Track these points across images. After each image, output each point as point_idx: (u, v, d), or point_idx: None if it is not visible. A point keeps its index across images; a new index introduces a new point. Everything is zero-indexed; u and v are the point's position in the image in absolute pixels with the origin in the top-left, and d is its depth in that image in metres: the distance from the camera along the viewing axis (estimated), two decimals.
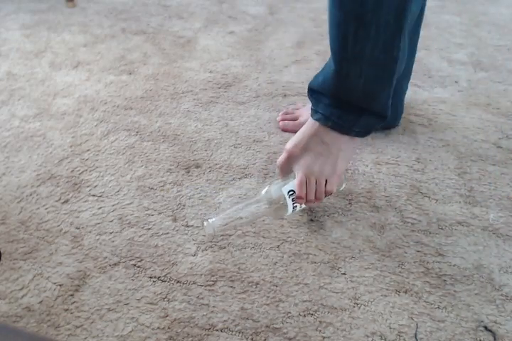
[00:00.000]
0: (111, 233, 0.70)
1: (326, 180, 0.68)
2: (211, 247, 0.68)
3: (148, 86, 1.09)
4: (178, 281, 0.63)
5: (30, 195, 0.77)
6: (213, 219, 0.64)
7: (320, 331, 0.57)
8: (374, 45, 0.59)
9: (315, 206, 0.74)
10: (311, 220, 0.73)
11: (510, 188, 0.79)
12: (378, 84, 0.64)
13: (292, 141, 0.69)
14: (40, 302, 0.61)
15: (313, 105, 0.69)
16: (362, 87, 0.63)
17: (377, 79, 0.63)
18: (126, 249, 0.68)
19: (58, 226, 0.71)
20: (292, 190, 0.66)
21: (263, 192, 0.67)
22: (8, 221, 0.72)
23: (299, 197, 0.66)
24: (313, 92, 0.70)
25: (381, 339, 0.57)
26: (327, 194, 0.69)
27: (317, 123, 0.68)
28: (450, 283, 0.63)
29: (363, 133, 0.69)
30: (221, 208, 0.75)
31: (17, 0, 1.58)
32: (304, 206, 0.69)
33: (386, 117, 0.68)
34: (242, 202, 0.66)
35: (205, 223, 0.63)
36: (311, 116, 0.69)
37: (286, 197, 0.66)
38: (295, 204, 0.67)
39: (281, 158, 0.70)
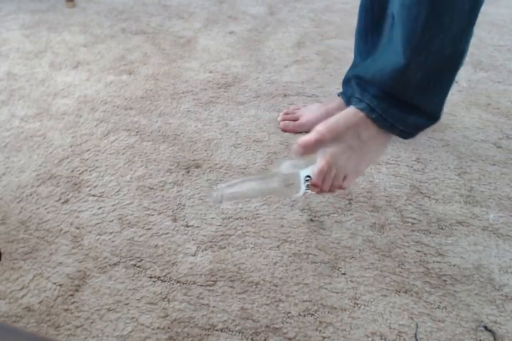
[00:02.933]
0: (111, 233, 0.70)
1: (345, 176, 0.64)
2: (211, 247, 0.68)
3: (148, 86, 1.09)
4: (178, 281, 0.63)
5: (30, 195, 0.77)
6: (223, 185, 0.59)
7: (320, 331, 0.57)
8: (444, 35, 0.54)
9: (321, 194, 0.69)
10: (311, 220, 0.73)
11: (510, 188, 0.79)
12: (437, 79, 0.59)
13: (327, 124, 0.62)
14: (40, 302, 0.61)
15: (358, 94, 0.64)
16: (419, 81, 0.59)
17: (438, 74, 0.59)
18: (126, 249, 0.68)
19: (58, 226, 0.71)
20: (309, 176, 0.62)
21: (280, 168, 0.62)
22: (8, 221, 0.72)
23: (314, 185, 0.62)
24: (361, 80, 0.64)
25: (381, 339, 0.57)
26: (340, 188, 0.65)
27: (359, 113, 0.62)
28: (450, 283, 0.63)
29: (407, 133, 0.64)
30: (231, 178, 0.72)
31: (17, 0, 1.58)
32: (312, 193, 0.66)
33: (438, 119, 0.63)
34: (253, 174, 0.63)
35: (213, 188, 0.60)
36: (354, 104, 0.63)
37: (302, 180, 0.62)
38: (307, 190, 0.63)
39: (309, 138, 0.62)
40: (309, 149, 0.63)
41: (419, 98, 0.60)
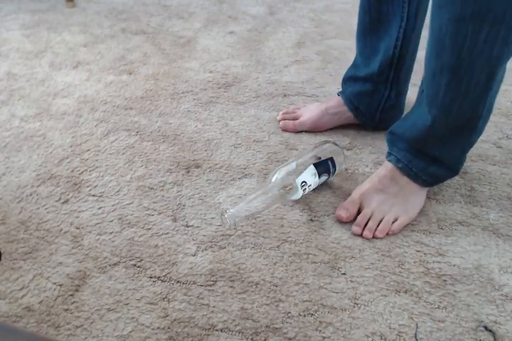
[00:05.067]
0: (111, 233, 0.70)
1: (396, 219, 0.71)
2: (211, 247, 0.68)
3: (148, 86, 1.09)
4: (178, 281, 0.63)
5: (30, 195, 0.77)
6: (232, 210, 0.66)
7: (320, 331, 0.57)
8: (463, 100, 0.61)
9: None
10: (311, 220, 0.73)
11: (510, 188, 0.79)
12: (457, 136, 0.67)
13: (366, 182, 0.74)
14: (40, 302, 0.60)
15: (388, 148, 0.74)
16: (441, 136, 0.67)
17: (458, 132, 0.66)
18: (126, 249, 0.68)
19: (58, 226, 0.71)
20: (304, 181, 0.72)
21: (273, 179, 0.72)
22: (8, 221, 0.72)
23: (356, 225, 0.70)
24: (392, 136, 0.74)
25: (381, 339, 0.57)
26: (390, 232, 0.70)
27: (390, 164, 0.73)
28: (450, 283, 0.63)
29: (429, 182, 0.72)
30: (237, 198, 0.75)
31: (17, 0, 1.58)
32: (312, 188, 0.74)
33: (457, 172, 0.73)
34: (254, 191, 0.70)
35: (225, 215, 0.65)
36: (386, 157, 0.74)
37: (299, 186, 0.71)
38: (304, 193, 0.73)
39: (351, 197, 0.73)
40: (352, 208, 0.72)
41: (441, 152, 0.69)
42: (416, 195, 0.72)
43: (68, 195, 0.77)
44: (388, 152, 0.74)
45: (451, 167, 0.71)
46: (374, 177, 0.74)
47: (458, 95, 0.61)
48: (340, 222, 0.72)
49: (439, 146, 0.68)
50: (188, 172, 0.82)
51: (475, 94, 0.61)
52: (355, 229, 0.69)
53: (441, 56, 0.59)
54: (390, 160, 0.73)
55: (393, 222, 0.70)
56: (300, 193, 0.73)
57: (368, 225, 0.70)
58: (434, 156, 0.69)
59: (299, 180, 0.71)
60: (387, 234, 0.69)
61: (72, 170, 0.82)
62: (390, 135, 0.75)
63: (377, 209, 0.71)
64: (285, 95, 1.05)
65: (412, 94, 1.03)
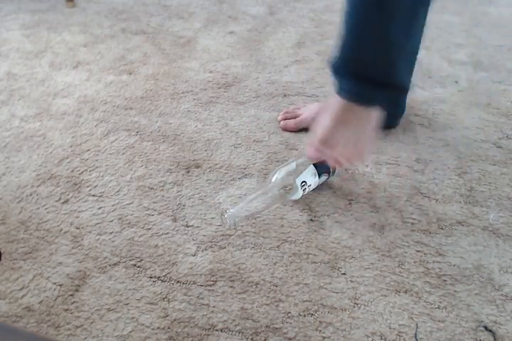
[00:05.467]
0: (111, 233, 0.70)
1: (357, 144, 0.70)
2: (211, 247, 0.68)
3: (148, 86, 1.09)
4: (178, 281, 0.63)
5: (30, 195, 0.77)
6: (232, 210, 0.66)
7: (320, 331, 0.57)
8: (394, 26, 0.61)
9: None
10: (311, 220, 0.73)
11: (510, 188, 0.79)
12: (398, 60, 0.66)
13: (322, 123, 0.69)
14: (40, 302, 0.61)
15: (335, 82, 0.71)
16: (380, 62, 0.65)
17: (396, 56, 0.65)
18: (126, 249, 0.68)
19: (58, 226, 0.71)
20: (304, 181, 0.72)
21: (273, 179, 0.72)
22: (8, 221, 0.72)
23: (335, 163, 0.70)
24: (333, 68, 0.71)
25: (381, 339, 0.57)
26: (350, 162, 0.71)
27: (341, 100, 0.68)
28: (450, 283, 0.63)
29: (383, 104, 0.70)
30: (237, 198, 0.75)
31: (17, 0, 1.58)
32: (312, 188, 0.74)
33: (406, 90, 0.72)
34: (254, 191, 0.70)
35: (225, 215, 0.65)
36: (337, 92, 0.69)
37: (299, 186, 0.71)
38: (304, 190, 0.73)
39: (314, 141, 0.69)
40: (321, 148, 0.69)
41: (387, 74, 0.67)
42: (370, 117, 0.70)
43: (68, 195, 0.77)
44: (338, 86, 0.71)
45: (404, 86, 0.72)
46: (327, 115, 0.70)
47: (390, 23, 0.61)
48: (338, 221, 0.72)
49: (382, 69, 0.67)
50: (188, 172, 0.82)
51: (406, 17, 0.62)
52: (334, 165, 0.71)
53: None
54: (342, 95, 0.69)
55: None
56: (300, 193, 0.73)
57: (341, 158, 0.70)
58: (383, 82, 0.67)
59: (298, 180, 0.71)
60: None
61: (72, 170, 0.82)
62: (332, 69, 0.73)
63: (345, 142, 0.69)
64: (285, 95, 1.05)
65: (412, 93, 1.03)
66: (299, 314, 0.59)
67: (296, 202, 0.76)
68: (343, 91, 0.69)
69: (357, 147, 0.69)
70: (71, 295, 0.61)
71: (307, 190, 0.73)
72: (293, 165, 0.73)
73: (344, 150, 0.69)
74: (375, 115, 0.70)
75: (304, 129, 0.92)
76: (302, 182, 0.72)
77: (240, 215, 0.67)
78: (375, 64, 0.66)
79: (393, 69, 0.67)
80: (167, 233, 0.70)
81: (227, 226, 0.69)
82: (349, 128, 0.69)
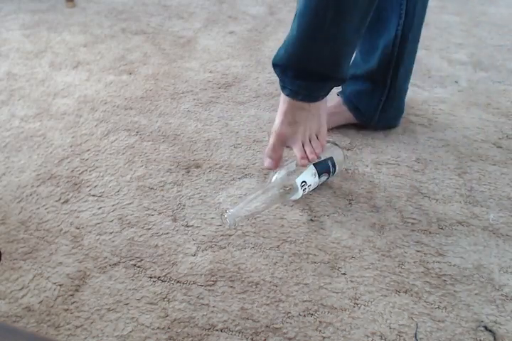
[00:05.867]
0: (111, 233, 0.70)
1: (316, 135, 0.75)
2: (211, 247, 0.68)
3: (148, 86, 1.09)
4: (178, 281, 0.63)
5: (30, 195, 0.77)
6: (232, 210, 0.66)
7: (320, 331, 0.57)
8: (347, 27, 0.64)
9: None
10: (311, 220, 0.73)
11: (510, 188, 0.79)
12: (346, 57, 0.69)
13: (277, 121, 0.74)
14: (40, 302, 0.61)
15: (280, 81, 0.73)
16: (331, 60, 0.68)
17: (345, 53, 0.69)
18: (126, 249, 0.68)
19: (58, 226, 0.71)
20: (304, 181, 0.72)
21: (273, 179, 0.72)
22: (8, 221, 0.72)
23: (302, 158, 0.72)
24: (278, 67, 0.73)
25: (381, 339, 0.57)
26: (322, 143, 0.75)
27: (287, 98, 0.72)
28: (450, 283, 0.63)
29: (326, 95, 0.74)
30: (236, 198, 0.75)
31: (17, 0, 1.58)
32: (312, 188, 0.75)
33: (345, 80, 0.74)
34: (254, 191, 0.70)
35: (225, 215, 0.65)
36: (282, 90, 0.73)
37: (299, 186, 0.71)
38: (304, 190, 0.73)
39: (271, 142, 0.75)
40: (276, 148, 0.75)
41: (332, 70, 0.70)
42: (322, 107, 0.75)
43: (68, 195, 0.77)
44: (281, 85, 0.73)
45: (343, 78, 0.73)
46: (279, 115, 0.74)
47: (344, 24, 0.64)
48: (338, 221, 0.72)
49: (329, 66, 0.70)
50: (188, 172, 0.82)
51: (358, 19, 0.64)
52: (303, 162, 0.72)
53: None
54: (287, 95, 0.72)
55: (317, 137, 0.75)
56: (300, 193, 0.73)
57: (307, 152, 0.73)
58: (326, 75, 0.70)
59: (298, 180, 0.71)
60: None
61: (72, 170, 0.82)
62: (275, 67, 0.75)
63: (302, 138, 0.73)
64: None
65: (412, 93, 1.03)
66: (299, 314, 0.59)
67: (296, 202, 0.76)
68: (289, 90, 0.71)
69: (314, 135, 0.74)
70: (71, 295, 0.61)
71: (307, 190, 0.73)
72: (293, 165, 0.73)
73: (305, 143, 0.73)
74: (322, 103, 0.73)
75: None
76: (302, 182, 0.72)
77: (240, 215, 0.66)
78: (323, 60, 0.68)
79: (341, 64, 0.70)
80: (167, 233, 0.70)
81: (227, 227, 0.69)
82: (301, 123, 0.73)
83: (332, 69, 0.70)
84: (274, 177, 0.72)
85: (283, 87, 0.73)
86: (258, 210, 0.69)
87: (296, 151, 0.73)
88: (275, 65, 0.74)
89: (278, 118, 0.74)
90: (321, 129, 0.75)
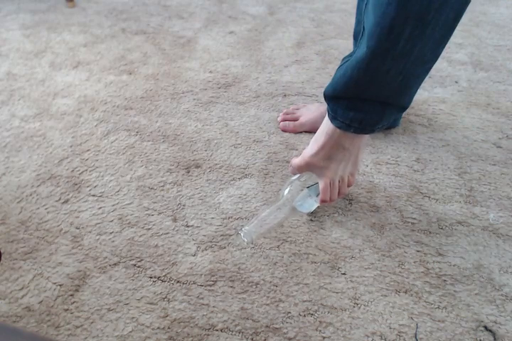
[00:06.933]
0: (111, 233, 0.70)
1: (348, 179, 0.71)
2: (211, 247, 0.68)
3: (148, 86, 1.09)
4: (178, 281, 0.63)
5: (30, 195, 0.77)
6: (247, 227, 0.65)
7: (320, 331, 0.57)
8: (425, 44, 0.56)
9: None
10: (311, 220, 0.73)
11: (510, 188, 0.79)
12: (416, 80, 0.62)
13: (312, 150, 0.69)
14: (40, 302, 0.61)
15: (331, 111, 0.66)
16: (399, 83, 0.60)
17: (417, 76, 0.61)
18: (126, 249, 0.68)
19: (58, 226, 0.71)
20: (318, 194, 0.70)
21: (285, 192, 0.70)
22: (8, 221, 0.72)
23: (323, 201, 0.70)
24: (330, 98, 0.67)
25: (381, 339, 0.57)
26: (351, 184, 0.72)
27: (337, 130, 0.66)
28: (450, 283, 0.63)
29: (386, 126, 0.67)
30: (251, 215, 0.75)
31: (17, 0, 1.58)
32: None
33: (407, 108, 0.67)
34: (268, 206, 0.69)
35: (241, 233, 0.65)
36: (331, 120, 0.66)
37: (313, 199, 0.70)
38: (318, 204, 0.72)
39: (299, 163, 0.71)
40: (302, 170, 0.72)
41: (398, 97, 0.63)
42: (362, 148, 0.69)
43: (68, 195, 0.77)
44: (332, 115, 0.66)
45: (405, 105, 0.66)
46: (316, 145, 0.68)
47: (420, 40, 0.56)
48: (338, 221, 0.72)
49: (395, 93, 0.62)
50: (188, 172, 0.82)
51: (439, 36, 0.56)
52: (322, 203, 0.70)
53: (409, 4, 0.52)
54: (338, 127, 0.66)
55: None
56: (314, 205, 0.71)
57: (331, 194, 0.70)
58: (386, 103, 0.63)
59: (312, 193, 0.70)
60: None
61: (72, 170, 0.82)
62: (326, 98, 0.67)
63: (332, 175, 0.69)
64: (285, 95, 1.05)
65: None
66: (299, 314, 0.59)
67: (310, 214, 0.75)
68: (340, 123, 0.65)
69: (346, 176, 0.70)
70: (71, 295, 0.61)
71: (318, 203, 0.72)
72: (304, 177, 0.72)
73: (333, 182, 0.69)
74: (363, 139, 0.68)
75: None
76: (316, 195, 0.70)
77: (256, 231, 0.65)
78: (389, 85, 0.61)
79: (409, 88, 0.63)
80: (167, 233, 0.70)
81: (245, 244, 0.69)
82: (336, 161, 0.68)
83: (397, 95, 0.62)
84: (286, 191, 0.70)
85: (333, 118, 0.66)
86: (273, 225, 0.67)
87: (321, 189, 0.69)
88: (326, 96, 0.67)
89: (313, 147, 0.69)
90: (353, 171, 0.71)
